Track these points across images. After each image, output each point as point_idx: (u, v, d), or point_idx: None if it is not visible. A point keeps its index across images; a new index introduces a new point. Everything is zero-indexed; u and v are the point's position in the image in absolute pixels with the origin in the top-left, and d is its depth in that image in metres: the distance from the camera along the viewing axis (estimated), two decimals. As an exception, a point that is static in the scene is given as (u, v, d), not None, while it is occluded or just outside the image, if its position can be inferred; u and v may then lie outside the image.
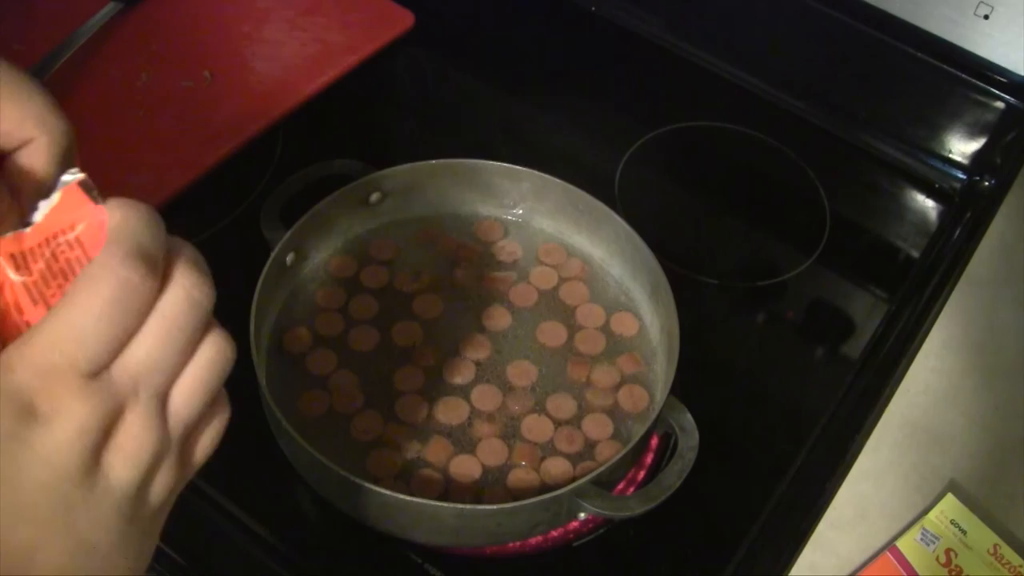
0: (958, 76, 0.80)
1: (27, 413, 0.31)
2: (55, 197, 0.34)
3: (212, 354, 0.35)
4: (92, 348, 0.32)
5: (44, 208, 0.34)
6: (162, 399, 0.34)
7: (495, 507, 0.56)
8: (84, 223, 0.34)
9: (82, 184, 0.34)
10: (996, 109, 0.80)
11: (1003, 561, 0.59)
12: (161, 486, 0.35)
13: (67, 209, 0.34)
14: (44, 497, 0.32)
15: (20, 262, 0.33)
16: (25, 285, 0.33)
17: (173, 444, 0.35)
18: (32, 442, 0.31)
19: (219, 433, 0.37)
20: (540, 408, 0.63)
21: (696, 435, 0.58)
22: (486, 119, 0.87)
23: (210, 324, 0.35)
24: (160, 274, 0.33)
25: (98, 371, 0.32)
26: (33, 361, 0.31)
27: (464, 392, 0.64)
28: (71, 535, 0.32)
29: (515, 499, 0.57)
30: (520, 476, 0.60)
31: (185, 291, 0.33)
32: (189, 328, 0.33)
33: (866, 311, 0.76)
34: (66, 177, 0.34)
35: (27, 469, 0.31)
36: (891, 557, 0.59)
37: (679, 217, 0.82)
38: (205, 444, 0.37)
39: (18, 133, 0.37)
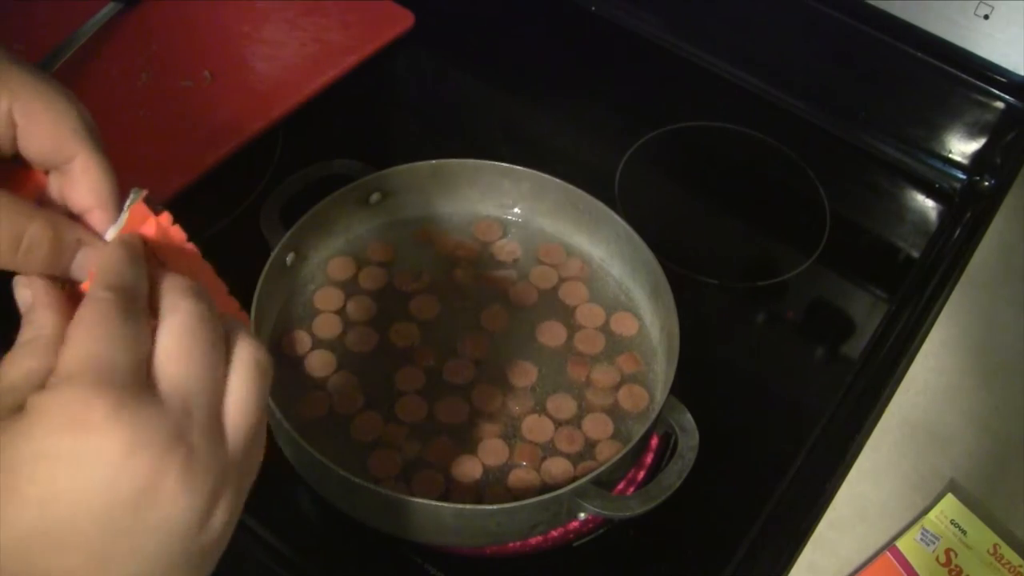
0: (958, 76, 0.80)
1: (76, 426, 0.31)
2: (123, 218, 0.38)
3: (249, 367, 0.36)
4: (107, 353, 0.33)
5: (114, 230, 0.38)
6: (217, 418, 0.35)
7: (495, 507, 0.56)
8: (152, 234, 0.39)
9: (146, 200, 0.38)
10: (996, 109, 0.80)
11: (1003, 561, 0.59)
12: (222, 513, 0.35)
13: (135, 225, 0.39)
14: (91, 523, 0.31)
15: None
16: None
17: (234, 465, 0.35)
18: (84, 461, 0.31)
19: (259, 465, 0.38)
20: (540, 408, 0.63)
21: (696, 435, 0.58)
22: (486, 119, 0.87)
23: (235, 336, 0.36)
24: (138, 295, 0.36)
25: (121, 376, 0.33)
26: (65, 376, 0.32)
27: (464, 392, 0.64)
28: (120, 565, 0.32)
29: (516, 499, 0.57)
30: (521, 476, 0.60)
31: (184, 310, 0.35)
32: (203, 336, 0.35)
33: (866, 311, 0.76)
34: (132, 196, 0.38)
35: (77, 493, 0.31)
36: (891, 557, 0.59)
37: (679, 217, 0.82)
38: (251, 477, 0.37)
39: (58, 154, 0.38)
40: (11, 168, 0.39)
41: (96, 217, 0.39)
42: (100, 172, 0.38)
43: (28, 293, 0.37)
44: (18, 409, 0.32)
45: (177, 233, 0.40)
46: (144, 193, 0.38)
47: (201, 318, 0.35)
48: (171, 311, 0.35)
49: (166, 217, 0.38)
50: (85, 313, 0.34)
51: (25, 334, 0.36)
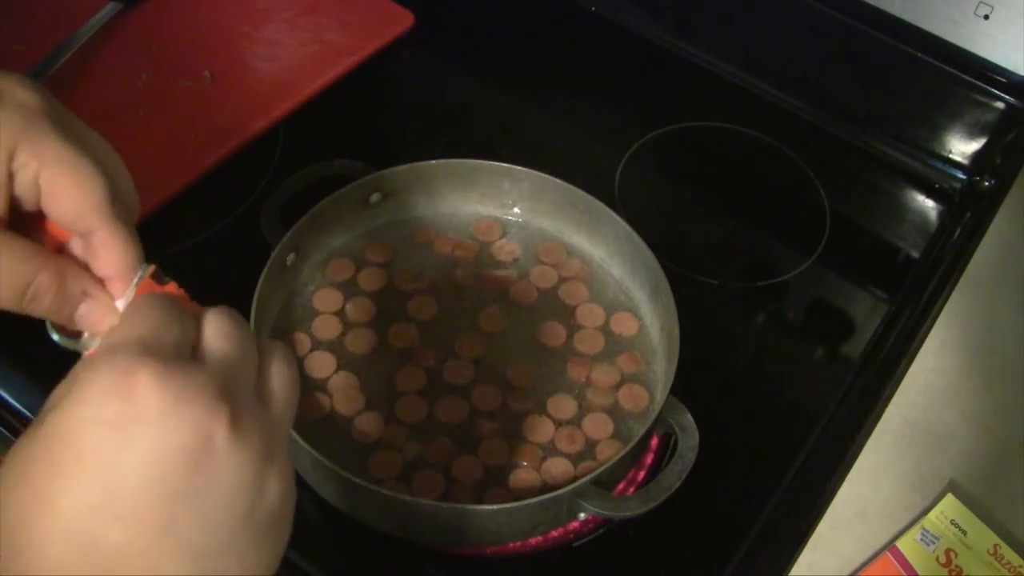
0: (958, 76, 0.80)
1: (121, 391, 0.32)
2: (130, 294, 0.39)
3: (277, 353, 0.38)
4: (155, 331, 0.35)
5: (122, 304, 0.39)
6: (259, 387, 0.37)
7: (495, 507, 0.56)
8: None
9: (153, 276, 0.40)
10: (996, 109, 0.80)
11: (1003, 561, 0.60)
12: (276, 480, 0.35)
13: None
14: (146, 489, 0.32)
15: None
16: None
17: (279, 430, 0.36)
18: (133, 430, 0.32)
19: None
20: (540, 408, 0.63)
21: (696, 435, 0.58)
22: (486, 119, 0.87)
23: (261, 342, 0.38)
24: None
25: (167, 349, 0.34)
26: (111, 348, 0.34)
27: (464, 392, 0.63)
28: (181, 532, 0.32)
29: (516, 499, 0.57)
30: (521, 476, 0.60)
31: (221, 309, 0.37)
32: (243, 324, 0.37)
33: (866, 311, 0.76)
34: (139, 273, 0.39)
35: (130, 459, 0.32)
36: (891, 557, 0.59)
37: (679, 217, 0.82)
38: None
39: (78, 225, 0.39)
40: (36, 217, 0.40)
41: (115, 287, 0.40)
42: (119, 248, 0.39)
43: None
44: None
45: (183, 300, 0.41)
46: (151, 269, 0.39)
47: (235, 314, 0.38)
48: (209, 311, 0.37)
49: (172, 287, 0.40)
50: (135, 303, 0.37)
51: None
